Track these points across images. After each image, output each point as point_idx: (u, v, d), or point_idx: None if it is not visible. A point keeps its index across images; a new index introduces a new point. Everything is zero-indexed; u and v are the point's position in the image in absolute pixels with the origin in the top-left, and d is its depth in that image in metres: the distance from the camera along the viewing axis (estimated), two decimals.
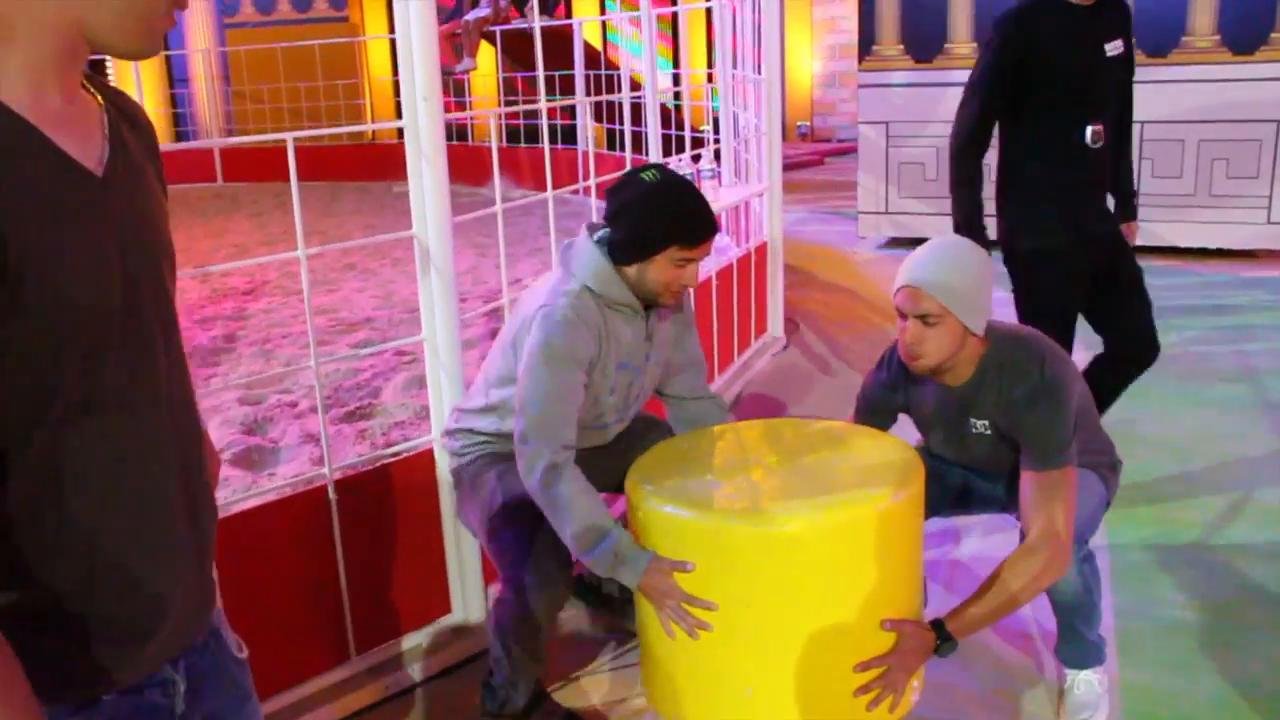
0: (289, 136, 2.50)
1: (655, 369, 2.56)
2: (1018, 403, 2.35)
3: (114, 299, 1.03)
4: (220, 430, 4.48)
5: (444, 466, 2.76)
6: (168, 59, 15.86)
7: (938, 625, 2.22)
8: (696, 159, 4.23)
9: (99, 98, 1.10)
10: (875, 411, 2.69)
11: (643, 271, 2.34)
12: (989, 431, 2.45)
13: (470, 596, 2.90)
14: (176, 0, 1.06)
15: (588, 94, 10.86)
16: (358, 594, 2.72)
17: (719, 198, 4.24)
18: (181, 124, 16.00)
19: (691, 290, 2.69)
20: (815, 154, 15.28)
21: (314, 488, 2.65)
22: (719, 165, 4.95)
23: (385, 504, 2.77)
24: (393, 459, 2.80)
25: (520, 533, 2.39)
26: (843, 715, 2.11)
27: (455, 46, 10.99)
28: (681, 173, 4.00)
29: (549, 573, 2.34)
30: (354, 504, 2.68)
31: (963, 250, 2.40)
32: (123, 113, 1.14)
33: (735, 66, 5.94)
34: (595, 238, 2.40)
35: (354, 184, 13.11)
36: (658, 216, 2.29)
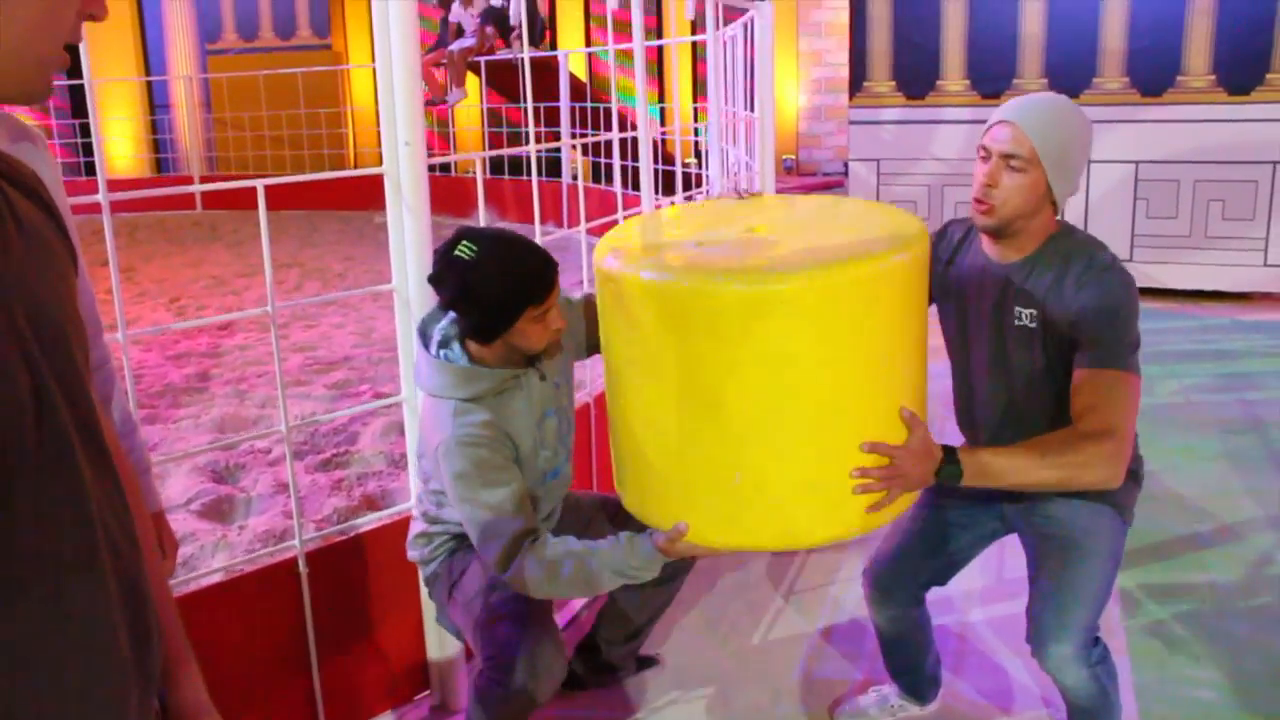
0: (259, 184, 2.32)
1: (569, 384, 2.42)
2: (1084, 287, 2.11)
3: (22, 415, 0.85)
4: (190, 478, 4.29)
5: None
6: (149, 85, 15.68)
7: (948, 449, 2.02)
8: (689, 200, 4.08)
9: None
10: None
11: (508, 341, 2.18)
12: (1034, 325, 2.19)
13: (448, 674, 2.71)
14: (73, 32, 0.89)
15: (573, 125, 10.74)
16: (330, 672, 2.53)
17: None
18: (161, 150, 15.79)
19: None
20: (801, 189, 15.19)
21: (284, 559, 2.46)
22: None
23: (359, 576, 2.58)
24: (367, 527, 2.62)
25: (513, 611, 2.23)
26: (836, 506, 1.92)
27: (443, 77, 10.86)
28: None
29: (547, 654, 2.19)
30: (326, 576, 2.50)
31: (1072, 110, 2.19)
32: (2, 174, 0.96)
33: (725, 102, 5.79)
34: (434, 350, 2.24)
35: (334, 213, 12.94)
36: (498, 290, 2.10)
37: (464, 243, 2.11)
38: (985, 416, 2.37)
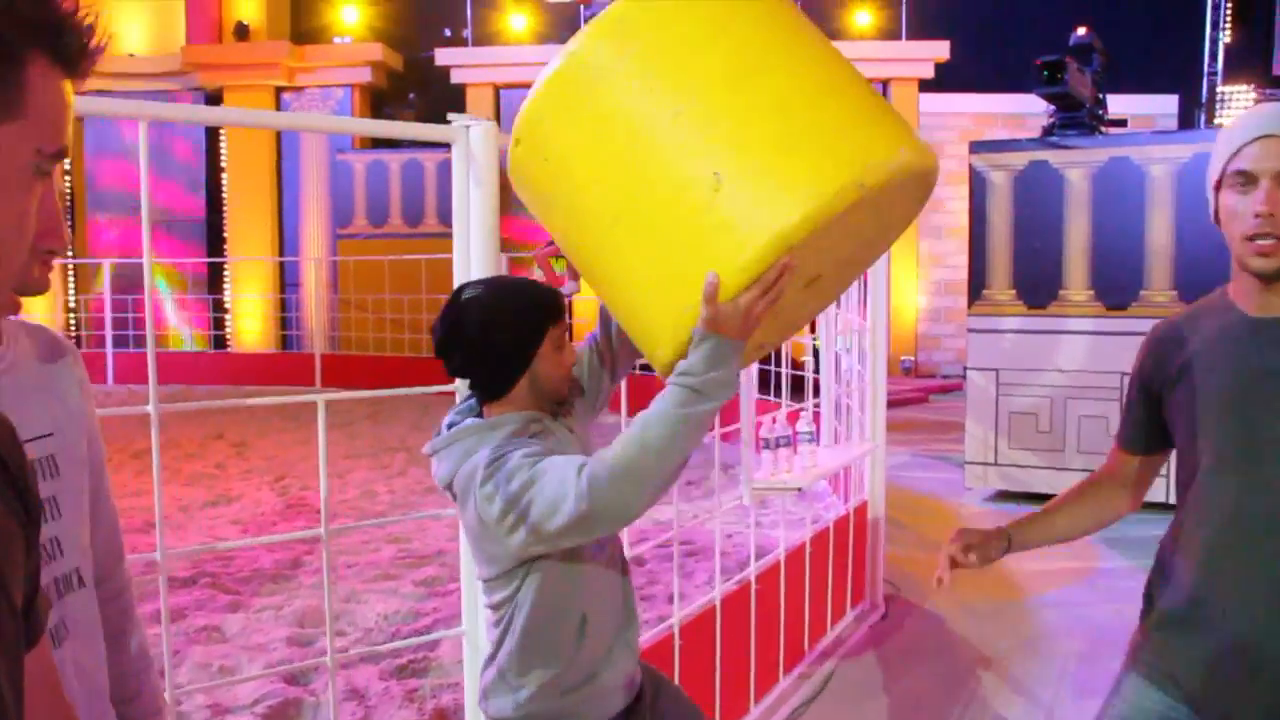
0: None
1: (591, 445, 2.13)
2: None
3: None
4: (260, 679, 4.11)
5: None
6: (281, 264, 16.37)
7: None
8: (795, 417, 3.89)
9: None
10: (1147, 395, 2.07)
11: (533, 380, 1.99)
12: None
13: None
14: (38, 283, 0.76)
15: None
16: None
17: (818, 462, 3.86)
18: (288, 327, 16.37)
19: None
20: (919, 391, 14.90)
21: None
22: (818, 424, 4.58)
23: None
24: None
25: None
26: (821, 159, 1.72)
27: (558, 269, 11.01)
28: (776, 434, 3.69)
29: None
30: None
31: None
32: None
33: (838, 306, 5.65)
34: (457, 422, 2.04)
35: (449, 398, 13.07)
36: (518, 311, 1.99)
37: (468, 289, 2.02)
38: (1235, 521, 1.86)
